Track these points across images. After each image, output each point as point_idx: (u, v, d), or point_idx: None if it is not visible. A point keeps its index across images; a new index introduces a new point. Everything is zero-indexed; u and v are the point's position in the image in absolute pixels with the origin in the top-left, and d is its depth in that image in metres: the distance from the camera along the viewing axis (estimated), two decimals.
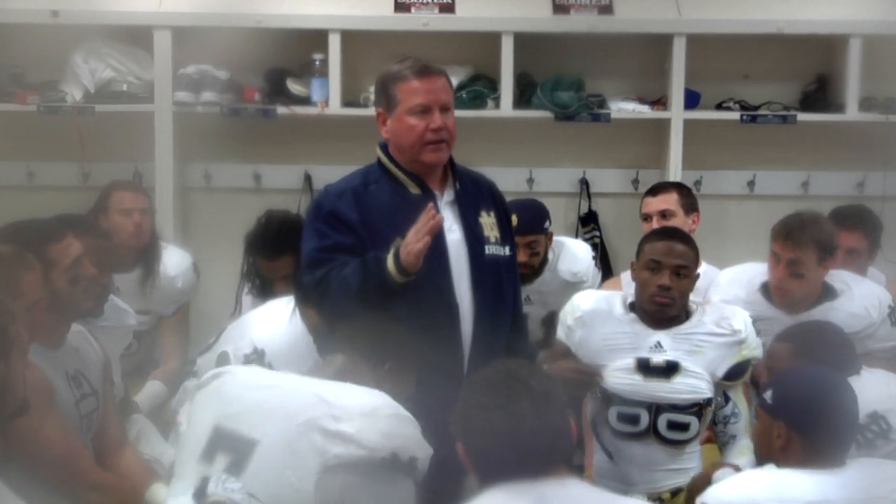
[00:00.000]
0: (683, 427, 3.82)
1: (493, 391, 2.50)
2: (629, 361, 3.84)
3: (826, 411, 2.99)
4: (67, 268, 3.33)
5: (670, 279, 3.81)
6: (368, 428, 2.75)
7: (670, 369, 3.79)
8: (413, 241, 3.38)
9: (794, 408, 3.03)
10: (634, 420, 3.83)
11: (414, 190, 3.61)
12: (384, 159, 3.63)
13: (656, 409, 3.81)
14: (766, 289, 4.27)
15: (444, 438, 2.87)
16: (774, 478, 2.96)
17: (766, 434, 3.07)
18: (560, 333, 4.00)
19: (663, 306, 3.82)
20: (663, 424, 3.81)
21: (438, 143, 3.57)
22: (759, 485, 2.94)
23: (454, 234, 3.63)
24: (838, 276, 4.26)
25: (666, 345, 3.82)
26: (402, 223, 3.49)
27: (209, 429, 2.88)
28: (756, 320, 3.90)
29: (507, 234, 3.77)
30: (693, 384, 3.78)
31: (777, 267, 4.16)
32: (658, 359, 3.80)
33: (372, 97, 5.52)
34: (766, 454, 3.07)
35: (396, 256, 3.41)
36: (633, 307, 3.93)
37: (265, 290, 4.37)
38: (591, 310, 3.93)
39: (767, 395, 3.10)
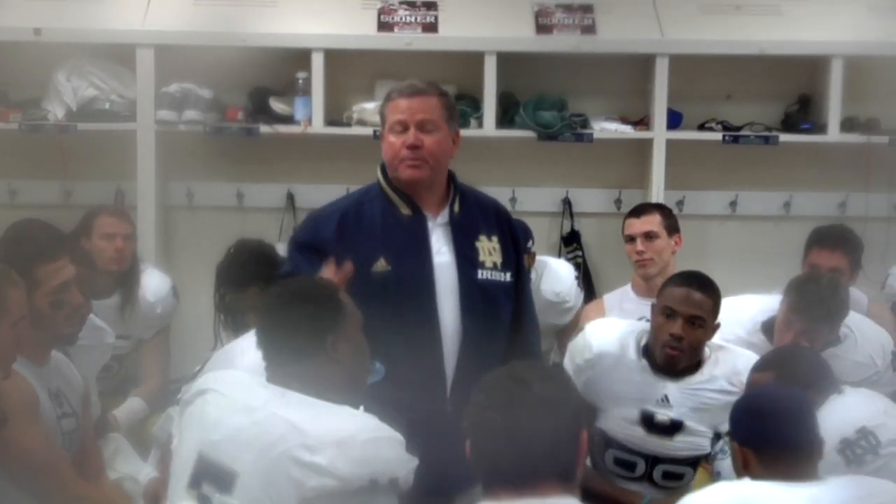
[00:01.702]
0: (678, 476, 3.83)
1: (495, 390, 2.42)
2: (633, 412, 3.82)
3: (771, 424, 3.00)
4: (52, 290, 3.33)
5: (683, 329, 3.76)
6: (342, 458, 2.73)
7: (674, 427, 3.79)
8: None
9: (742, 425, 3.07)
10: (631, 467, 3.84)
11: (405, 210, 3.61)
12: (380, 179, 3.66)
13: (654, 459, 3.81)
14: (767, 328, 4.22)
15: (428, 461, 2.93)
16: (745, 488, 2.97)
17: (733, 459, 3.10)
18: (567, 364, 3.98)
19: (673, 357, 3.79)
20: (659, 474, 3.83)
21: (414, 161, 3.58)
22: (729, 494, 2.95)
23: (443, 257, 3.63)
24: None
25: (673, 399, 3.80)
26: (386, 243, 3.54)
27: (195, 456, 2.87)
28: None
29: (509, 259, 3.72)
30: (694, 442, 3.78)
31: (787, 332, 4.06)
32: (663, 416, 3.79)
33: (355, 116, 5.62)
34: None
35: None
36: (646, 350, 3.88)
37: (236, 322, 4.30)
38: (603, 353, 3.89)
39: None
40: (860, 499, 2.94)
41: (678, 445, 3.79)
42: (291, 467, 2.73)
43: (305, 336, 2.91)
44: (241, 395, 2.91)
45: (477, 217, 3.73)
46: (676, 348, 3.75)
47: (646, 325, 3.95)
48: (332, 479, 2.72)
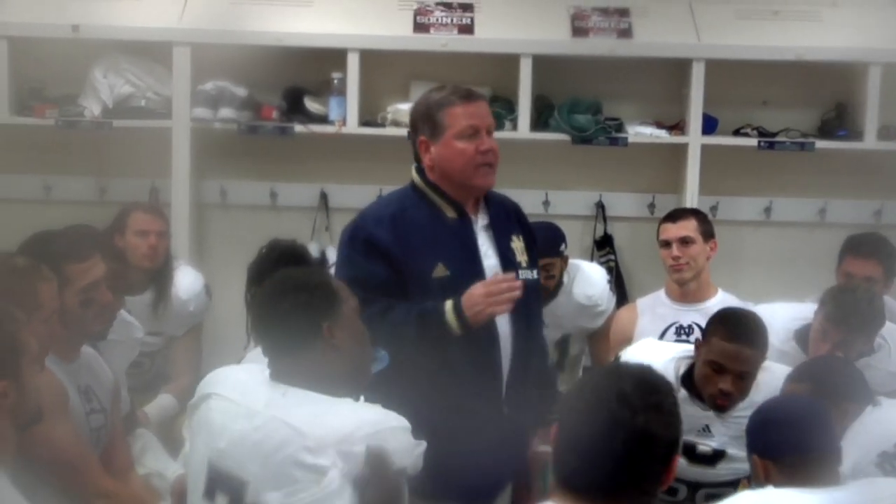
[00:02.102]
0: (720, 496, 3.81)
1: (599, 402, 2.28)
2: None
3: (789, 432, 3.01)
4: (82, 289, 3.35)
5: (733, 384, 3.71)
6: (344, 458, 2.73)
7: (716, 457, 3.76)
8: (484, 303, 3.44)
9: (760, 437, 3.08)
10: (672, 492, 3.82)
11: (451, 214, 3.61)
12: (421, 184, 3.63)
13: (696, 485, 3.79)
14: (800, 337, 4.19)
15: (485, 462, 3.04)
16: (767, 495, 2.96)
17: (753, 473, 3.10)
18: None
19: (723, 407, 3.76)
20: (701, 497, 3.81)
21: (487, 166, 3.59)
22: (752, 502, 2.94)
23: (490, 260, 3.64)
24: None
25: (714, 428, 3.78)
26: (440, 248, 3.55)
27: (205, 465, 2.88)
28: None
29: (533, 258, 3.79)
30: (736, 468, 3.74)
31: (823, 343, 4.03)
32: (705, 447, 3.77)
33: (390, 117, 5.60)
34: None
35: (458, 311, 3.45)
36: (685, 379, 3.83)
37: None
38: None
39: None
40: (880, 500, 2.92)
41: (720, 472, 3.77)
42: (296, 471, 2.73)
43: (301, 324, 2.88)
44: (243, 399, 2.90)
45: (504, 217, 3.75)
46: (726, 400, 3.72)
47: (685, 353, 3.90)
48: (337, 479, 2.72)
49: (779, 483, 2.95)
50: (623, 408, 2.24)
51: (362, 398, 2.96)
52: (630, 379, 2.30)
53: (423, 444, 2.86)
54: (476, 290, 3.48)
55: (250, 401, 2.87)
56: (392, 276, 3.49)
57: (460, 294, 3.50)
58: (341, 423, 2.78)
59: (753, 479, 3.11)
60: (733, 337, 3.73)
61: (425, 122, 3.62)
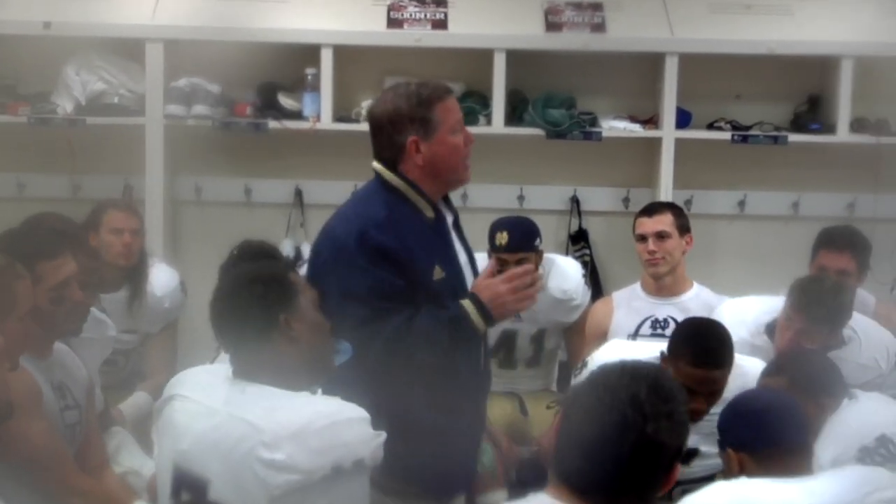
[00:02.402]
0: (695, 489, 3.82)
1: (602, 387, 2.28)
2: None
3: (763, 423, 3.04)
4: (53, 287, 3.33)
5: (704, 401, 3.68)
6: (300, 450, 2.72)
7: (689, 456, 3.76)
8: (512, 299, 3.46)
9: (734, 430, 3.11)
10: None
11: (429, 214, 3.54)
12: (401, 184, 3.49)
13: None
14: (771, 330, 4.18)
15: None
16: (742, 486, 2.96)
17: (727, 468, 3.11)
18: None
19: (694, 420, 3.75)
20: (678, 493, 3.81)
21: (468, 162, 3.57)
22: (728, 493, 2.93)
23: (462, 257, 3.64)
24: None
25: None
26: (433, 249, 3.51)
27: (171, 466, 2.90)
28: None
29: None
30: (710, 464, 3.74)
31: (787, 331, 4.04)
32: None
33: (364, 112, 5.59)
34: None
35: (482, 310, 3.44)
36: None
37: None
38: None
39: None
40: (856, 487, 2.93)
41: (695, 470, 3.77)
42: (255, 467, 2.73)
43: (257, 317, 2.87)
44: (203, 398, 2.91)
45: (456, 215, 3.72)
46: (698, 416, 3.72)
47: (652, 357, 3.91)
48: (294, 473, 2.72)
49: (753, 475, 2.96)
50: (636, 413, 2.22)
51: (320, 391, 2.95)
52: (645, 383, 2.28)
53: (383, 435, 2.84)
54: (499, 287, 3.47)
55: (211, 400, 2.89)
56: (403, 282, 3.41)
57: (458, 295, 3.51)
58: (296, 416, 2.77)
59: (727, 473, 3.11)
60: (700, 363, 3.69)
61: (415, 120, 3.46)
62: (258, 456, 2.72)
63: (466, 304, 3.46)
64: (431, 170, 3.49)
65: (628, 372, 2.32)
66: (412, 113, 3.47)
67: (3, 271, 3.09)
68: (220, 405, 2.85)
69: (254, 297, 2.89)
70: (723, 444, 3.14)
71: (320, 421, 2.77)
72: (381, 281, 3.37)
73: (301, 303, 2.95)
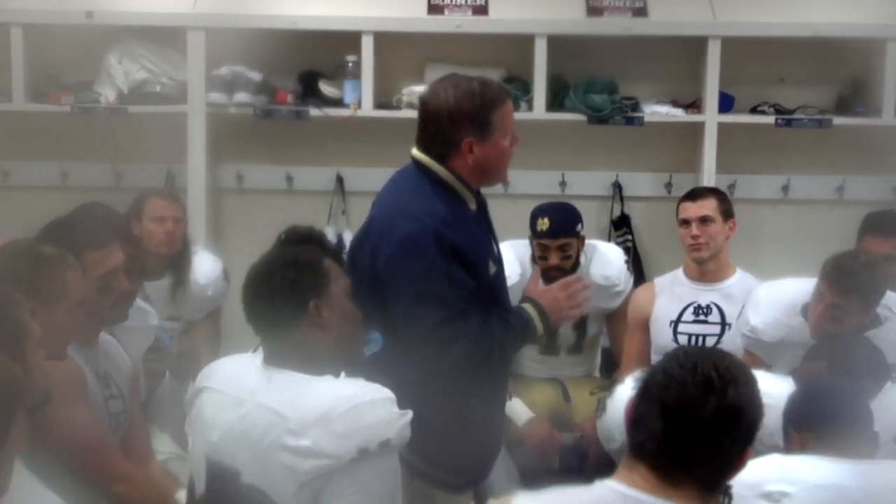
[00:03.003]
0: None
1: (682, 356, 2.29)
2: None
3: (827, 403, 3.10)
4: (101, 276, 3.36)
5: None
6: (326, 435, 2.72)
7: None
8: (567, 306, 3.54)
9: (798, 410, 3.16)
10: None
11: (472, 206, 3.55)
12: (451, 178, 3.47)
13: None
14: (806, 311, 4.13)
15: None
16: (785, 461, 3.01)
17: (789, 450, 3.13)
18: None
19: None
20: None
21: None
22: (770, 467, 2.97)
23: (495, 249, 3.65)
24: (882, 301, 4.08)
25: None
26: (485, 244, 3.54)
27: (203, 459, 2.91)
28: (796, 346, 3.82)
29: None
30: None
31: (818, 305, 4.01)
32: None
33: (405, 99, 5.59)
34: None
35: (543, 316, 3.49)
36: None
37: None
38: None
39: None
40: None
41: None
42: (282, 455, 2.74)
43: (287, 302, 2.87)
44: (231, 389, 2.92)
45: None
46: None
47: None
48: (322, 458, 2.72)
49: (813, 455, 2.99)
50: (720, 377, 2.23)
51: (343, 374, 2.94)
52: (724, 355, 2.33)
53: (409, 414, 2.82)
54: (558, 294, 3.54)
55: (238, 390, 2.90)
56: (474, 280, 3.42)
57: (505, 289, 3.57)
58: (320, 402, 2.77)
59: (788, 454, 3.12)
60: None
61: (475, 122, 3.44)
62: (284, 443, 2.74)
63: (530, 309, 3.50)
64: (480, 169, 3.49)
65: (710, 350, 2.44)
66: (473, 114, 3.44)
67: (55, 262, 3.11)
68: (246, 395, 2.86)
69: (285, 282, 2.87)
70: (786, 428, 3.15)
71: (343, 405, 2.76)
72: (458, 280, 3.38)
73: (333, 290, 2.93)
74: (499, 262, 3.60)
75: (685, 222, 4.80)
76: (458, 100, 3.43)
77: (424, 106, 3.51)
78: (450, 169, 3.47)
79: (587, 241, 4.83)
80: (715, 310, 4.74)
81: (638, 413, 2.29)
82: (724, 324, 4.73)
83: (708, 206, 4.78)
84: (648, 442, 2.25)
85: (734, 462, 2.27)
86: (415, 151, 3.53)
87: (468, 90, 3.44)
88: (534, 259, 4.69)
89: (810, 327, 4.04)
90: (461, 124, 3.43)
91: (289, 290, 2.87)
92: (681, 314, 4.79)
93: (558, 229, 4.63)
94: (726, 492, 2.73)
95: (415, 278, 3.35)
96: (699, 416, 2.21)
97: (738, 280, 4.82)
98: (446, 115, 3.44)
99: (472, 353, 3.37)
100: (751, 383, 2.28)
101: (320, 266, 2.95)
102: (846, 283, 3.95)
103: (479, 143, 3.44)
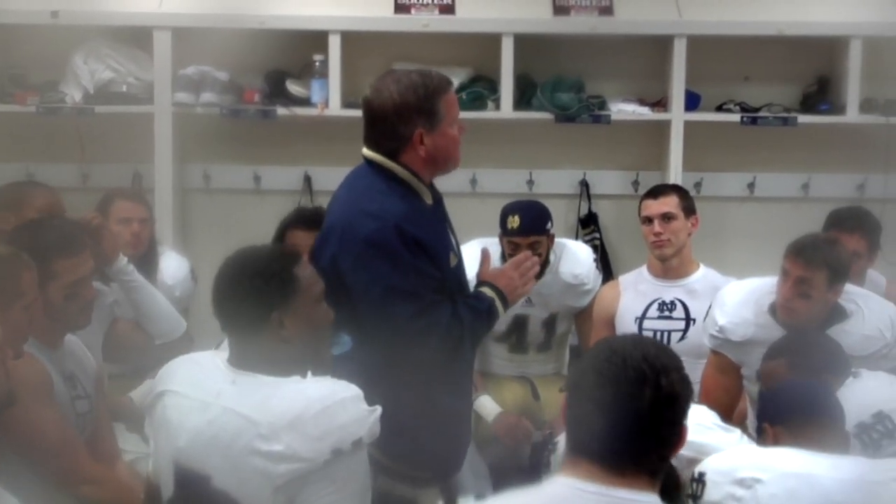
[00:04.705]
0: None
1: (609, 351, 2.27)
2: None
3: (798, 395, 3.14)
4: (69, 284, 3.35)
5: None
6: (298, 438, 2.71)
7: None
8: (522, 285, 3.57)
9: (771, 405, 3.20)
10: None
11: (428, 200, 3.54)
12: (405, 174, 3.46)
13: None
14: (775, 310, 4.12)
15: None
16: (758, 451, 3.06)
17: (762, 443, 3.16)
18: None
19: None
20: None
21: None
22: (743, 455, 3.03)
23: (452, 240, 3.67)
24: (848, 294, 4.08)
25: None
26: (445, 236, 3.56)
27: (170, 463, 2.88)
28: (764, 344, 3.84)
29: None
30: None
31: (785, 284, 4.01)
32: None
33: None
34: None
35: (502, 297, 3.53)
36: None
37: None
38: None
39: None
40: (884, 471, 2.94)
41: None
42: (255, 460, 2.72)
43: (249, 312, 2.85)
44: (195, 392, 2.89)
45: None
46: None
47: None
48: (296, 462, 2.71)
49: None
50: (650, 368, 2.23)
51: (310, 373, 2.92)
52: (650, 343, 2.34)
53: (378, 410, 2.81)
54: (511, 273, 3.57)
55: (202, 393, 2.86)
56: (439, 272, 3.44)
57: (465, 280, 3.60)
58: (290, 405, 2.75)
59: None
60: None
61: (422, 113, 3.43)
62: (256, 448, 2.72)
63: (489, 292, 3.52)
64: (432, 160, 3.48)
65: (632, 338, 2.38)
66: (420, 105, 3.43)
67: (9, 261, 3.10)
68: (212, 398, 2.83)
69: (251, 291, 2.85)
70: (759, 423, 3.20)
71: (314, 407, 2.74)
72: (425, 274, 3.39)
73: (299, 301, 2.90)
74: (458, 254, 3.62)
75: (648, 220, 4.82)
76: (402, 94, 3.42)
77: (369, 104, 3.49)
78: (402, 164, 3.46)
79: (556, 240, 4.83)
80: (679, 305, 4.76)
81: (574, 412, 2.29)
82: (688, 319, 4.75)
83: (670, 203, 4.80)
84: (590, 441, 2.26)
85: (674, 443, 2.28)
86: (365, 150, 3.52)
87: (410, 83, 3.43)
88: (503, 257, 4.69)
89: (779, 312, 4.05)
90: (409, 117, 3.43)
91: (253, 300, 2.85)
92: (645, 310, 4.80)
93: (529, 227, 4.63)
94: (700, 479, 2.74)
95: (383, 275, 3.35)
96: (637, 409, 2.22)
97: (701, 276, 4.84)
98: (392, 110, 3.43)
99: (446, 342, 3.39)
100: (678, 364, 2.28)
101: (289, 275, 2.91)
102: (810, 254, 3.96)
103: (428, 133, 3.43)
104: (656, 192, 4.92)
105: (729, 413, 4.08)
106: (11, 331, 2.97)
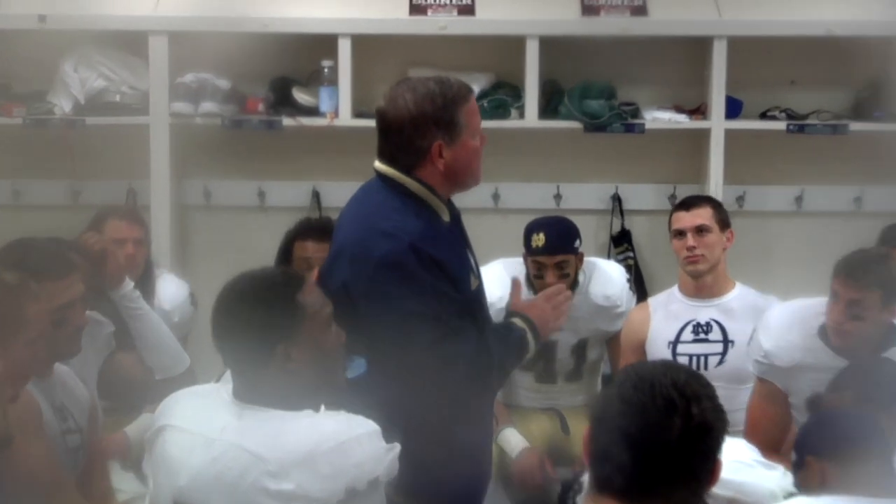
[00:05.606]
0: None
1: (637, 378, 2.27)
2: None
3: (847, 429, 3.12)
4: (57, 308, 3.34)
5: None
6: (310, 478, 2.72)
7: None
8: (555, 319, 3.63)
9: (816, 437, 3.18)
10: None
11: (446, 217, 3.55)
12: (421, 190, 3.47)
13: None
14: (825, 332, 4.14)
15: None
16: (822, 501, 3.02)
17: (808, 479, 3.14)
18: None
19: None
20: None
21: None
22: None
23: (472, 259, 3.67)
24: None
25: None
26: (465, 257, 3.57)
27: (170, 502, 2.88)
28: (814, 369, 3.82)
29: None
30: None
31: (836, 307, 4.03)
32: None
33: None
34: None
35: (534, 330, 3.55)
36: None
37: None
38: None
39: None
40: None
41: None
42: (262, 499, 2.73)
43: (252, 347, 2.87)
44: (198, 427, 2.90)
45: None
46: None
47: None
48: (307, 502, 2.72)
49: (836, 488, 2.98)
50: (680, 396, 2.22)
51: (323, 407, 2.93)
52: (682, 370, 2.32)
53: (397, 447, 2.85)
54: (545, 306, 3.62)
55: (206, 428, 2.88)
56: (460, 295, 3.45)
57: (485, 303, 3.61)
58: (301, 441, 2.77)
59: (806, 486, 3.13)
60: None
61: (441, 124, 3.43)
62: (264, 487, 2.73)
63: (521, 324, 3.55)
64: (451, 175, 3.50)
65: (661, 364, 2.36)
66: (438, 116, 3.43)
67: (14, 290, 3.09)
68: (216, 434, 2.84)
69: (253, 320, 2.87)
70: (801, 456, 3.16)
71: (328, 443, 2.76)
72: (445, 296, 3.39)
73: (306, 329, 2.92)
74: (479, 276, 3.63)
75: (679, 233, 4.81)
76: (418, 104, 3.42)
77: (383, 115, 3.49)
78: (419, 180, 3.46)
79: (586, 259, 4.83)
80: (716, 327, 4.75)
81: (598, 445, 2.28)
82: (726, 341, 4.75)
83: (703, 215, 4.80)
84: (615, 475, 2.23)
85: (707, 478, 2.27)
86: (378, 164, 3.52)
87: (427, 91, 3.44)
88: (529, 278, 4.68)
89: (830, 336, 4.06)
90: (426, 129, 3.42)
91: (256, 334, 2.87)
92: (679, 334, 4.79)
93: (555, 245, 4.63)
94: None
95: (401, 298, 3.34)
96: (666, 441, 2.20)
97: (738, 294, 4.83)
98: (408, 121, 3.43)
99: (472, 373, 3.39)
100: (711, 392, 2.28)
101: (293, 303, 2.92)
102: (861, 274, 3.98)
103: (447, 145, 3.44)
104: (688, 203, 4.91)
105: (778, 445, 4.08)
106: (12, 367, 2.97)
